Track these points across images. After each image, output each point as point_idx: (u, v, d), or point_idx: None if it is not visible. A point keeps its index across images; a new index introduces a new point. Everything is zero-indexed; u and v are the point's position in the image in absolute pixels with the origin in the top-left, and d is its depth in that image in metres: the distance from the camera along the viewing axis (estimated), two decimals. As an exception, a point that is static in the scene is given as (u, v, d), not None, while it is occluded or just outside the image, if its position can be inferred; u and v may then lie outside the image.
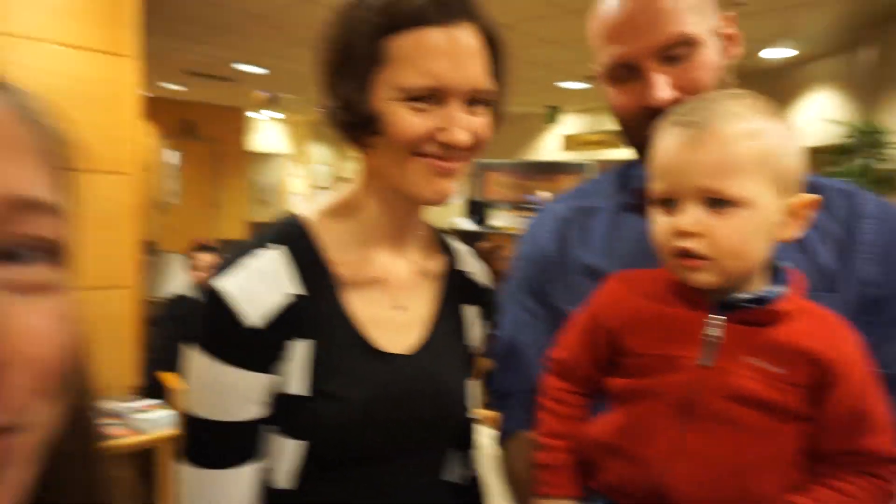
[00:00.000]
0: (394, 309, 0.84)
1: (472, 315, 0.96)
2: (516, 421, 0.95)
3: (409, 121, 0.73)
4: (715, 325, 0.70)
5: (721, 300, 0.71)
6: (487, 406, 1.04)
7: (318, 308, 0.77)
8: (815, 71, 5.46)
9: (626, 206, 0.94)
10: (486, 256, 4.18)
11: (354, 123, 0.77)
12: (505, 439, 0.98)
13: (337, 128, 0.80)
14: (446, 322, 0.90)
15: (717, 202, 0.66)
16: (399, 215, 0.84)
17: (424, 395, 0.83)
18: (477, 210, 8.92)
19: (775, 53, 5.18)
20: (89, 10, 2.69)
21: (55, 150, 0.33)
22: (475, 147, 0.78)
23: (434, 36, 0.72)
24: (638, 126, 0.86)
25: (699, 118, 0.68)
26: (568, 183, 8.76)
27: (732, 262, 0.68)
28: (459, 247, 0.99)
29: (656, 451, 0.71)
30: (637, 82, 0.84)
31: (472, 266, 0.98)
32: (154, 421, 2.52)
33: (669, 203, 0.70)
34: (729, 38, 0.89)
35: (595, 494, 0.80)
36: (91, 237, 2.83)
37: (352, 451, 0.78)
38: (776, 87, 5.85)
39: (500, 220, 8.68)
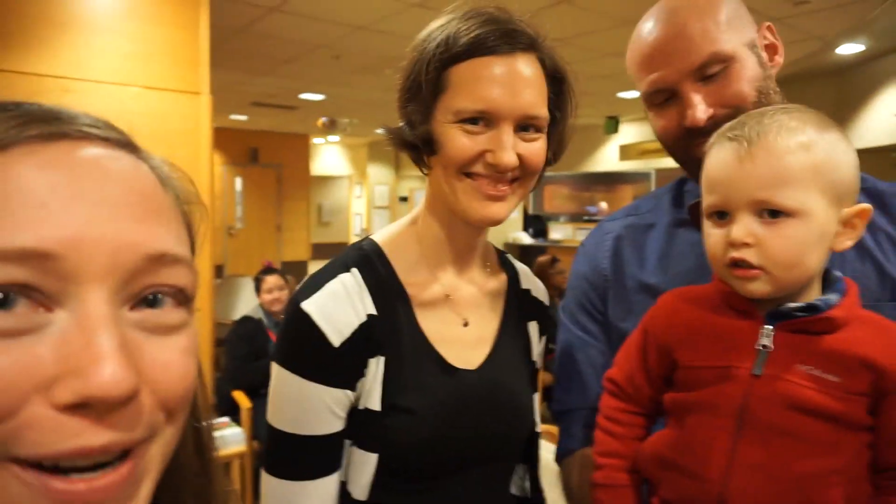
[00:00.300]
0: (461, 326, 0.87)
1: (533, 331, 0.97)
2: (575, 438, 0.96)
3: (461, 141, 0.77)
4: (767, 334, 0.70)
5: (773, 310, 0.71)
6: (549, 421, 1.05)
7: (391, 326, 0.81)
8: (889, 65, 5.20)
9: (681, 222, 0.94)
10: (543, 270, 4.16)
11: (415, 143, 0.82)
12: (563, 456, 0.99)
13: (400, 147, 0.85)
14: (510, 338, 0.92)
15: (771, 213, 0.67)
16: (460, 237, 0.87)
17: (491, 409, 0.86)
18: (536, 223, 8.88)
19: (847, 49, 4.96)
20: (165, 52, 2.88)
21: (184, 209, 0.39)
22: (526, 171, 0.80)
23: (488, 64, 0.76)
24: (682, 147, 0.87)
25: (750, 132, 0.69)
26: (628, 193, 8.64)
27: (786, 271, 0.68)
28: (520, 266, 1.02)
29: (713, 465, 0.71)
30: (676, 105, 0.86)
31: (533, 284, 1.01)
32: (225, 438, 2.62)
33: (723, 215, 0.71)
34: (769, 49, 0.89)
35: None
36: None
37: (422, 464, 0.81)
38: (849, 84, 5.62)
39: (560, 232, 8.62)
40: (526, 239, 8.52)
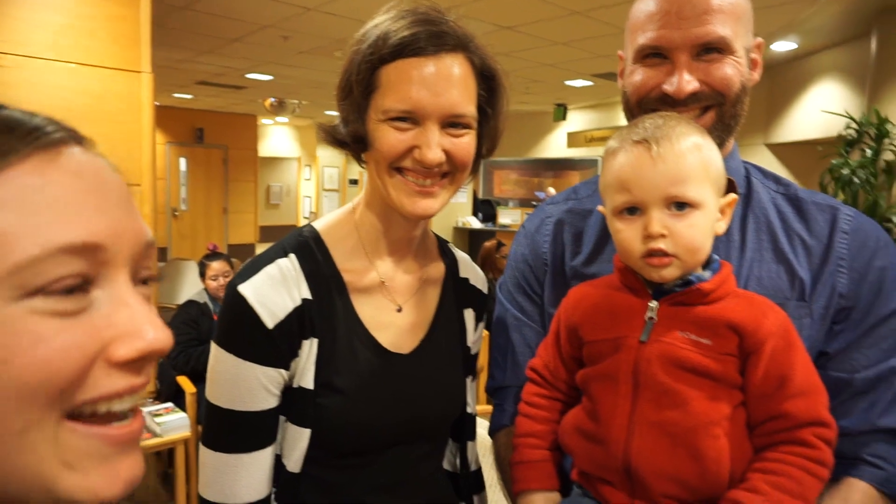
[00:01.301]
0: (395, 312, 0.91)
1: (469, 318, 1.02)
2: (506, 414, 1.01)
3: (389, 138, 0.81)
4: (652, 308, 0.79)
5: (657, 288, 0.80)
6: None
7: (325, 311, 0.84)
8: (819, 63, 5.46)
9: None
10: (489, 255, 4.23)
11: (351, 141, 0.85)
12: (495, 431, 1.04)
13: (334, 145, 0.88)
14: (445, 325, 0.96)
15: (678, 206, 0.76)
16: (396, 227, 0.91)
17: (422, 392, 0.90)
18: (485, 208, 8.97)
19: (779, 47, 5.19)
20: (103, 28, 2.78)
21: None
22: (455, 166, 0.84)
23: (414, 65, 0.79)
24: (647, 109, 0.89)
25: (654, 136, 0.77)
26: (576, 179, 8.81)
27: (693, 256, 0.77)
28: (460, 254, 1.05)
29: (616, 427, 0.78)
30: (663, 68, 0.88)
31: (472, 273, 1.05)
32: (170, 423, 2.60)
33: (633, 211, 0.78)
34: (754, 63, 0.92)
35: (578, 490, 0.86)
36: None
37: (353, 441, 0.85)
38: (781, 80, 5.87)
39: (509, 217, 8.73)
40: (475, 223, 8.61)
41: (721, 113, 0.87)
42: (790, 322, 0.76)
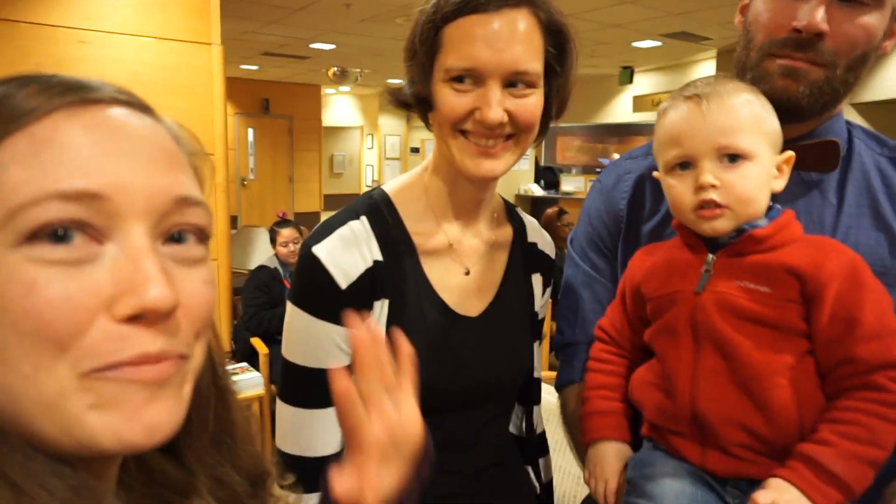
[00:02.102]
0: (463, 275, 0.92)
1: (537, 283, 1.02)
2: (575, 370, 1.02)
3: (451, 100, 0.81)
4: (709, 261, 0.80)
5: (715, 242, 0.80)
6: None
7: (396, 272, 0.86)
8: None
9: None
10: (551, 222, 4.20)
11: (414, 102, 0.86)
12: (563, 387, 1.05)
13: (399, 106, 0.90)
14: (513, 289, 0.97)
15: (730, 157, 0.77)
16: (463, 191, 0.91)
17: (489, 355, 0.91)
18: (548, 175, 8.84)
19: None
20: (175, 2, 2.88)
21: (196, 161, 0.46)
22: (519, 127, 0.83)
23: (475, 23, 0.78)
24: (768, 51, 0.83)
25: (704, 92, 0.78)
26: (642, 144, 8.54)
27: (745, 207, 0.77)
28: (528, 219, 1.05)
29: (682, 378, 0.79)
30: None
31: (540, 237, 1.05)
32: (244, 382, 2.73)
33: (685, 166, 0.79)
34: (892, 32, 0.86)
35: (650, 445, 0.86)
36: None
37: (422, 400, 0.88)
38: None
39: (572, 184, 8.58)
40: (537, 191, 8.50)
41: (831, 75, 0.81)
42: (861, 263, 0.73)
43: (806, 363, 0.74)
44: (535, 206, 8.50)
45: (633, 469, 0.84)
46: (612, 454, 0.87)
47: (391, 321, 0.86)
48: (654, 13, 4.90)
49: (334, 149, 12.07)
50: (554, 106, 0.89)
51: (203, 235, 0.43)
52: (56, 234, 0.36)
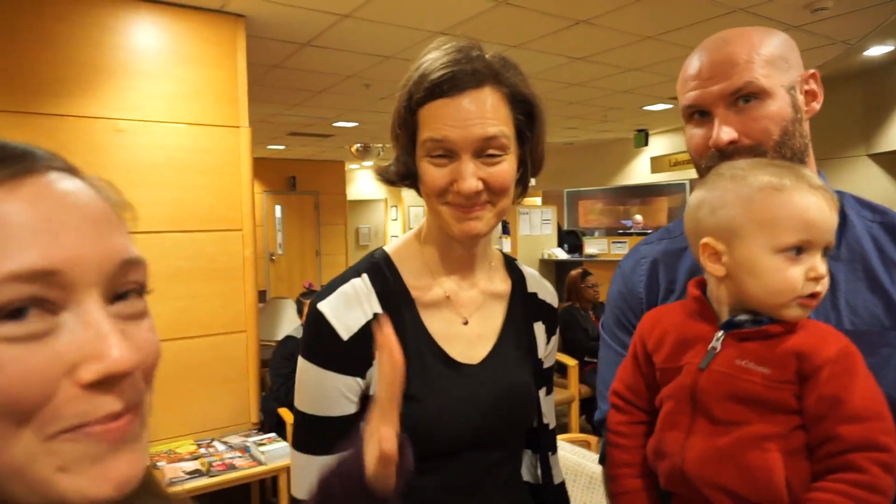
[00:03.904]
0: (463, 325, 0.97)
1: (540, 332, 1.06)
2: None
3: (431, 173, 0.89)
4: (718, 338, 0.82)
5: (727, 321, 0.82)
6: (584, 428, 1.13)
7: (396, 324, 0.91)
8: (922, 66, 5.13)
9: None
10: (574, 284, 4.20)
11: (398, 179, 0.95)
12: (602, 462, 1.06)
13: (387, 183, 0.98)
14: (513, 337, 1.01)
15: (825, 254, 0.80)
16: (455, 247, 0.98)
17: (492, 401, 0.94)
18: (571, 239, 8.89)
19: (875, 51, 4.92)
20: (207, 91, 3.09)
21: (123, 215, 0.47)
22: (494, 192, 0.90)
23: (443, 105, 0.87)
24: (706, 163, 0.94)
25: (822, 185, 0.81)
26: (663, 204, 8.59)
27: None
28: (529, 271, 1.10)
29: (675, 442, 0.82)
30: (707, 124, 0.93)
31: (541, 288, 1.09)
32: (272, 452, 2.74)
33: (800, 251, 0.79)
34: (810, 95, 0.95)
35: None
36: (215, 288, 3.11)
37: (426, 445, 0.90)
38: (878, 86, 5.54)
39: (595, 247, 8.61)
40: (561, 254, 8.54)
41: (773, 154, 0.90)
42: (854, 350, 0.76)
43: (796, 435, 0.76)
44: (560, 269, 8.51)
45: None
46: None
47: None
48: (662, 78, 5.06)
49: (359, 222, 12.34)
50: (530, 166, 0.96)
51: (143, 289, 0.45)
52: (12, 312, 0.37)
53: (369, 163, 11.36)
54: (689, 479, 0.79)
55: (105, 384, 0.39)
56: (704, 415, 0.79)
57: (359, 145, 8.33)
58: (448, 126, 0.86)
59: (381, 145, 8.54)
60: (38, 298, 0.38)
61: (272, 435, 2.96)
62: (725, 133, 0.89)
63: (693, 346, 0.83)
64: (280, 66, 4.35)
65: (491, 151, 0.88)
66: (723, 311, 0.84)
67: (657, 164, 8.46)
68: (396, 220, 12.68)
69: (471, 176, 0.87)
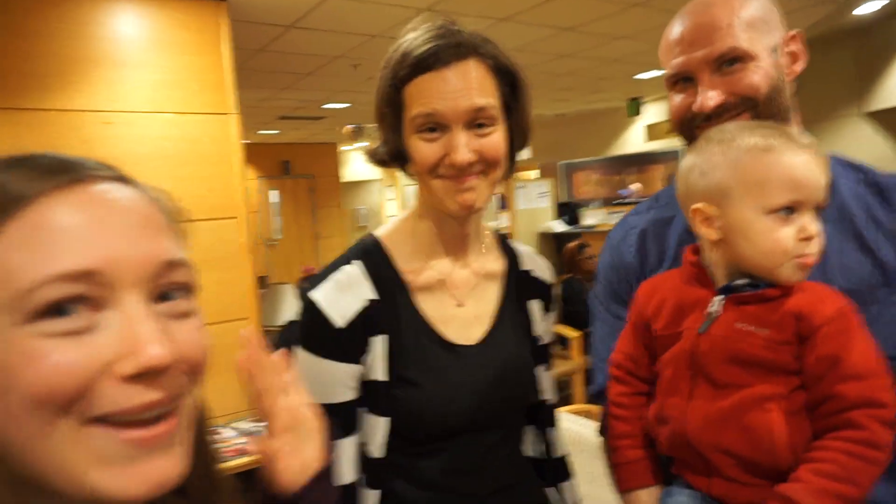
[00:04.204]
0: (457, 307, 0.97)
1: (536, 309, 1.06)
2: None
3: (422, 149, 0.89)
4: (717, 302, 0.82)
5: (724, 285, 0.82)
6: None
7: (390, 309, 0.92)
8: (914, 21, 5.08)
9: None
10: (571, 257, 4.21)
11: (389, 159, 0.95)
12: (603, 433, 1.07)
13: (378, 164, 0.98)
14: (510, 316, 1.02)
15: (817, 213, 0.80)
16: (448, 227, 0.98)
17: (491, 380, 0.95)
18: (568, 211, 8.87)
19: (866, 8, 4.86)
20: (192, 78, 3.05)
21: (175, 220, 0.50)
22: (488, 162, 0.90)
23: (430, 79, 0.87)
24: (688, 129, 0.95)
25: (812, 144, 0.81)
26: (659, 172, 8.55)
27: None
28: (522, 248, 1.11)
29: (677, 406, 0.83)
30: (691, 89, 0.94)
31: (535, 264, 1.09)
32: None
33: (790, 211, 0.79)
34: (792, 56, 0.96)
35: (676, 480, 0.89)
36: (214, 277, 3.12)
37: (427, 427, 0.92)
38: (869, 44, 5.49)
39: (593, 218, 8.60)
40: (558, 227, 8.53)
41: (756, 114, 0.90)
42: (851, 309, 0.77)
43: (796, 396, 0.77)
44: (559, 242, 8.51)
45: None
46: (642, 501, 0.90)
47: (392, 354, 0.91)
48: (652, 45, 4.98)
49: (356, 203, 12.31)
50: (516, 139, 0.95)
51: (190, 290, 0.48)
52: (59, 309, 0.40)
53: (363, 144, 11.30)
54: (691, 443, 0.80)
55: (143, 378, 0.41)
56: (705, 379, 0.80)
57: (351, 126, 8.26)
58: (436, 99, 0.86)
59: (373, 125, 8.47)
60: (81, 297, 0.41)
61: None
62: (711, 97, 0.90)
63: (692, 311, 0.84)
64: (266, 49, 4.30)
65: (481, 122, 0.88)
66: (719, 276, 0.84)
67: (653, 131, 8.40)
68: (393, 200, 12.64)
69: (464, 147, 0.87)
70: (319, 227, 10.11)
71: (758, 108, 0.90)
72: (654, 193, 1.14)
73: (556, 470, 1.08)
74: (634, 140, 8.79)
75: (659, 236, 1.05)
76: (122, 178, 0.48)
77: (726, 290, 0.82)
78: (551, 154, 9.32)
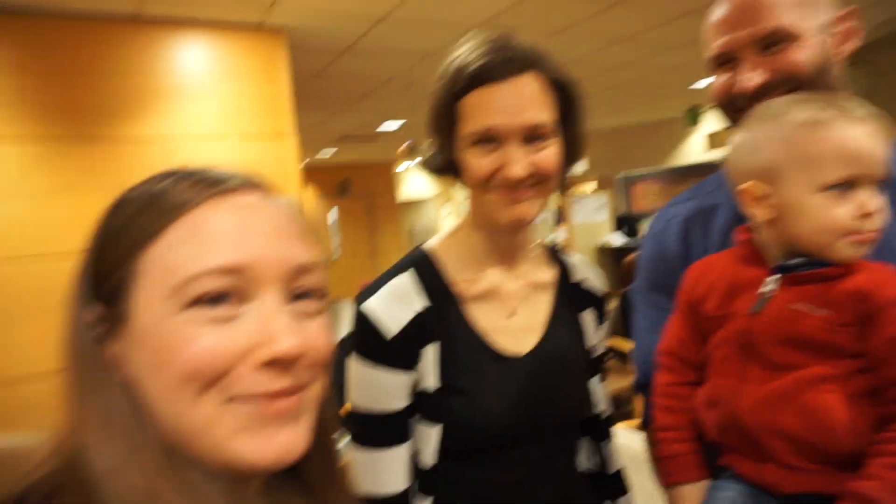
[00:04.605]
0: (508, 317, 0.97)
1: (589, 320, 1.05)
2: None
3: (476, 163, 0.89)
4: (772, 282, 0.79)
5: (781, 263, 0.79)
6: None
7: (442, 319, 0.93)
8: None
9: None
10: (630, 269, 4.12)
11: (445, 169, 0.95)
12: (647, 429, 1.05)
13: (432, 174, 0.99)
14: (560, 327, 1.01)
15: (880, 188, 0.76)
16: (499, 238, 0.98)
17: (540, 392, 0.95)
18: (627, 223, 8.69)
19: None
20: (253, 104, 3.21)
21: (312, 233, 0.56)
22: (542, 176, 0.90)
23: (487, 92, 0.87)
24: (731, 109, 0.93)
25: (870, 116, 0.76)
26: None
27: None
28: (574, 260, 1.10)
29: (728, 388, 0.80)
30: (734, 69, 0.92)
31: (587, 274, 1.09)
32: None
33: (847, 187, 0.75)
34: (844, 35, 0.93)
35: (722, 473, 0.86)
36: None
37: (478, 437, 0.92)
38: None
39: (652, 231, 8.38)
40: (617, 240, 8.37)
41: (806, 87, 0.87)
42: None
43: (855, 379, 0.74)
44: (618, 256, 8.34)
45: (706, 499, 0.84)
46: (688, 496, 0.87)
47: (444, 363, 0.92)
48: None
49: (412, 222, 12.44)
50: (571, 152, 0.95)
51: (320, 292, 0.53)
52: (211, 299, 0.47)
53: (417, 160, 11.42)
54: (743, 427, 0.77)
55: (275, 365, 0.47)
56: (759, 360, 0.77)
57: (407, 143, 8.39)
58: (492, 115, 0.86)
59: (428, 142, 8.56)
60: (229, 289, 0.47)
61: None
62: (752, 77, 0.88)
63: (745, 291, 0.80)
64: (322, 74, 4.44)
65: (537, 137, 0.88)
66: (774, 255, 0.81)
67: (714, 140, 8.18)
68: (450, 216, 12.70)
69: (519, 161, 0.87)
70: (377, 244, 10.26)
71: (802, 87, 0.87)
72: (698, 184, 1.11)
73: (612, 484, 1.06)
74: (694, 149, 8.57)
75: (704, 225, 1.02)
76: (267, 189, 0.55)
77: (782, 269, 0.79)
78: (609, 166, 9.19)
